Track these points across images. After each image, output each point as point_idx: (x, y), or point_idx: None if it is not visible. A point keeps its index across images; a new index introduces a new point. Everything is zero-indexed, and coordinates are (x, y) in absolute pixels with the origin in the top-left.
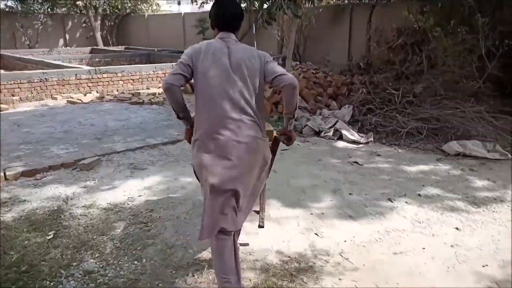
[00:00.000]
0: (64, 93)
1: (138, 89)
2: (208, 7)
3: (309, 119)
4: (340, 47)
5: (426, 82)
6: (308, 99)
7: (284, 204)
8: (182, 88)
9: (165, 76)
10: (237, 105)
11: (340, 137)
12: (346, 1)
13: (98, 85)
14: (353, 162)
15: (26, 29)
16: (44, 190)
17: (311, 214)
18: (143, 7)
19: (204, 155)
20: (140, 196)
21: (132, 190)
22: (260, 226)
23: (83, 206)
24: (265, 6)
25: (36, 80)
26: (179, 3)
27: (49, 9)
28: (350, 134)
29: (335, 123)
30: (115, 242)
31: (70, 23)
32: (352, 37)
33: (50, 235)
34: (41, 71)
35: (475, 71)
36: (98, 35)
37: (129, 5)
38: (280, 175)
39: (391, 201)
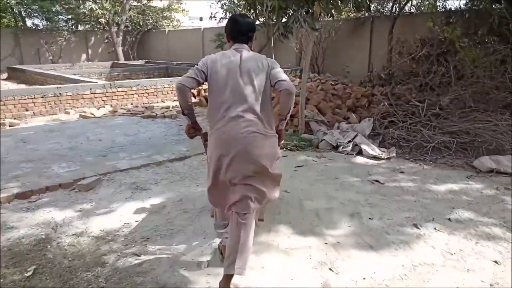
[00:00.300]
0: (78, 108)
1: (153, 103)
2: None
3: (326, 133)
4: (360, 59)
5: (454, 94)
6: (326, 111)
7: (296, 231)
8: (193, 90)
9: None
10: (244, 105)
11: (360, 152)
12: (366, 14)
13: (112, 99)
14: (374, 180)
15: (50, 45)
16: (37, 214)
17: (326, 243)
18: (164, 23)
19: (215, 152)
20: (137, 221)
21: (130, 214)
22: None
23: (73, 234)
24: (283, 19)
25: (50, 95)
26: (201, 19)
27: (73, 27)
28: (371, 149)
29: (354, 137)
30: (100, 280)
31: (93, 39)
32: (373, 49)
33: (30, 271)
34: (56, 86)
35: (509, 82)
36: (120, 50)
37: (151, 21)
38: (293, 196)
39: (417, 227)
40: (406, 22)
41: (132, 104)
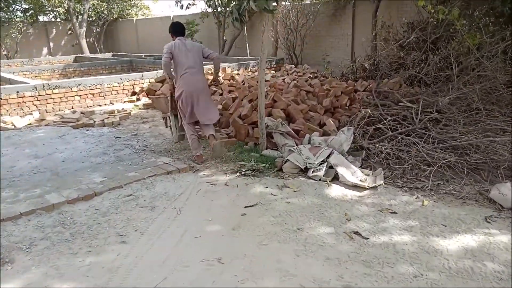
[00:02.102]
0: (2, 114)
1: (99, 105)
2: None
3: (293, 150)
4: (341, 47)
5: (455, 92)
6: (296, 116)
7: None
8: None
9: (133, 88)
10: (194, 67)
11: (336, 178)
12: None
13: (47, 103)
14: (353, 232)
15: (3, 39)
16: None
17: None
18: (132, 11)
19: (184, 93)
20: None
21: None
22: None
23: None
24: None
25: None
26: (182, 7)
27: (32, 18)
28: (351, 172)
29: (328, 156)
30: None
31: (54, 31)
32: (356, 35)
33: None
34: None
35: None
36: (84, 42)
37: (116, 9)
38: (228, 271)
39: None
40: (392, 4)
41: (72, 108)
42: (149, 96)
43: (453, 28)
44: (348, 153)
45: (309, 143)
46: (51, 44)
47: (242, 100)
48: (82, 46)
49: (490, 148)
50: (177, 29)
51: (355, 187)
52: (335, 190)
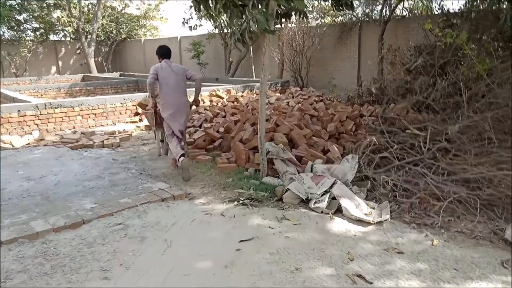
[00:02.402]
0: (2, 133)
1: (101, 125)
2: (202, 29)
3: (294, 178)
4: (348, 70)
5: (465, 120)
6: (299, 142)
7: None
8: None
9: (136, 108)
10: (178, 88)
11: (339, 210)
12: (353, 18)
13: (49, 123)
14: (356, 275)
15: (12, 57)
16: None
17: None
18: (140, 32)
19: (168, 112)
20: None
21: None
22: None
23: None
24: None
25: None
26: (190, 28)
27: (42, 36)
28: (355, 205)
29: (331, 186)
30: None
31: (63, 49)
32: (362, 58)
33: None
34: None
35: None
36: (92, 61)
37: (125, 29)
38: None
39: None
40: (398, 27)
41: (74, 127)
42: (141, 110)
43: (462, 53)
44: (352, 183)
45: (311, 171)
46: (60, 63)
47: (244, 123)
48: (90, 65)
49: (504, 182)
50: (163, 52)
51: (359, 221)
52: (338, 225)
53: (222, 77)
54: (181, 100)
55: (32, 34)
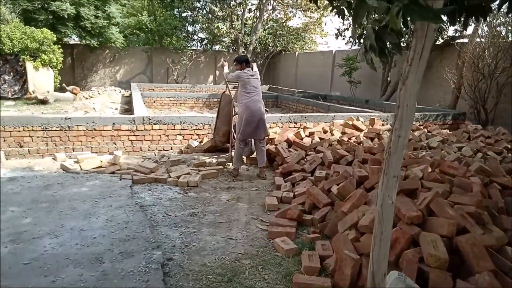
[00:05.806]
0: (93, 147)
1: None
2: (357, 44)
3: None
4: None
5: None
6: (476, 263)
7: None
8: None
9: None
10: (259, 94)
11: None
12: None
13: (145, 140)
14: None
15: (175, 65)
16: None
17: None
18: (296, 45)
19: (247, 116)
20: None
21: None
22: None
23: None
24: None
25: (54, 128)
26: (346, 43)
27: (206, 46)
28: None
29: None
30: None
31: (222, 60)
32: None
33: None
34: (64, 116)
35: None
36: None
37: (282, 42)
38: None
39: None
40: None
41: (171, 148)
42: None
43: None
44: None
45: None
46: (217, 73)
47: (374, 185)
48: None
49: None
50: (247, 60)
51: None
52: None
53: (374, 100)
54: (260, 104)
55: (198, 44)
